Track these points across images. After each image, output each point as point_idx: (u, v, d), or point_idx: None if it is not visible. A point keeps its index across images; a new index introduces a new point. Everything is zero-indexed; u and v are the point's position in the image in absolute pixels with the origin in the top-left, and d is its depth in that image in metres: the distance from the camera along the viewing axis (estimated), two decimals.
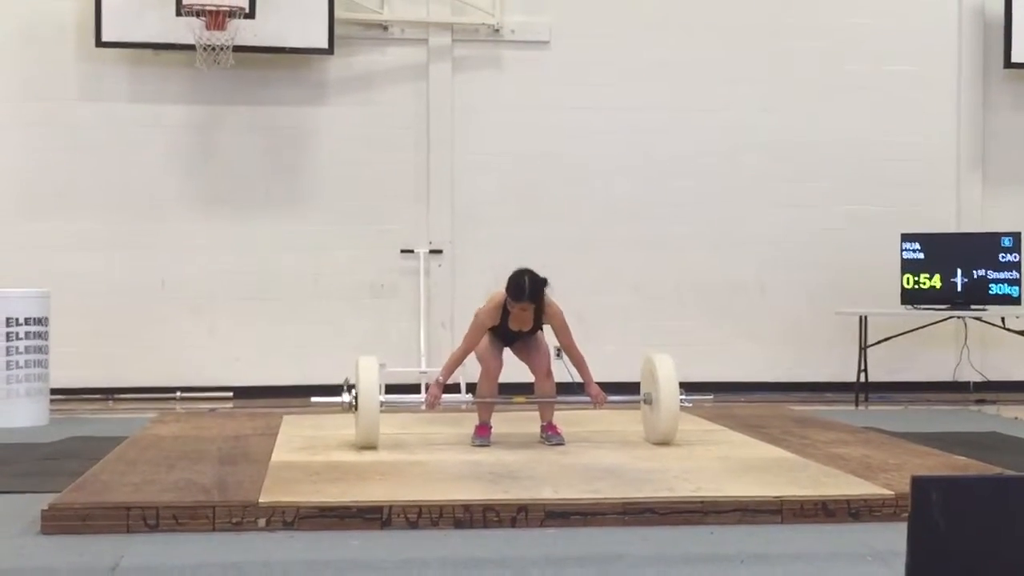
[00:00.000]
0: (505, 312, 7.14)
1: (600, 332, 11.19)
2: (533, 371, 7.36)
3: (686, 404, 7.30)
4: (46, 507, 5.31)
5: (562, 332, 7.23)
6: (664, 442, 7.20)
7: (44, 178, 10.73)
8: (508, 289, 7.03)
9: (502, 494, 5.65)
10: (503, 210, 11.08)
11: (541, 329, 7.31)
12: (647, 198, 11.22)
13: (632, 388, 10.86)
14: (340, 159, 11.02)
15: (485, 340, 7.26)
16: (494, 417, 7.40)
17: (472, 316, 7.30)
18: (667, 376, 7.19)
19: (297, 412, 9.04)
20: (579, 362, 7.29)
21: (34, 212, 10.70)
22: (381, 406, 6.99)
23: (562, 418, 7.44)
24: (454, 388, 10.45)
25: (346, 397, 7.00)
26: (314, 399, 7.38)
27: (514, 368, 7.49)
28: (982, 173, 11.60)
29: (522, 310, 7.06)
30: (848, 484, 5.92)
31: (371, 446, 6.93)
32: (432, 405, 7.24)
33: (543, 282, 7.03)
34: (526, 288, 6.96)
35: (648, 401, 7.38)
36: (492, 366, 7.26)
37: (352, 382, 7.01)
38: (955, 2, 11.58)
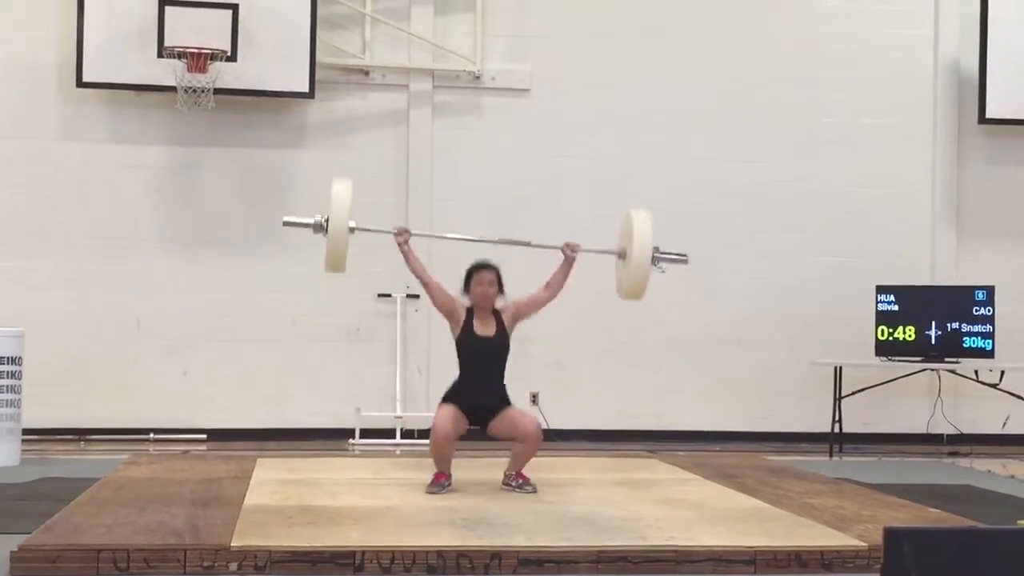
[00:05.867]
0: (469, 316, 7.14)
1: (576, 380, 11.23)
2: (519, 434, 7.17)
3: (660, 260, 7.35)
4: (16, 548, 5.27)
5: (529, 301, 7.31)
6: (632, 297, 7.34)
7: (21, 216, 10.71)
8: (468, 270, 7.21)
9: (476, 541, 5.63)
10: (481, 255, 11.06)
11: (508, 337, 7.23)
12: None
13: (610, 436, 10.95)
14: (319, 202, 10.94)
15: (448, 409, 7.09)
16: (458, 463, 7.30)
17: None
18: (642, 231, 7.26)
19: (271, 456, 9.01)
20: (550, 284, 7.36)
21: (10, 250, 10.66)
22: (351, 231, 7.15)
23: (532, 464, 7.38)
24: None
25: (318, 217, 7.18)
26: (285, 219, 7.55)
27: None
28: (957, 227, 11.70)
29: (489, 285, 7.14)
30: (822, 535, 5.93)
31: (339, 269, 7.21)
32: (405, 240, 7.33)
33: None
34: (486, 260, 7.20)
35: (622, 256, 7.42)
36: (441, 430, 7.05)
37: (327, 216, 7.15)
38: (931, 57, 11.72)
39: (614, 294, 11.21)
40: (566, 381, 11.21)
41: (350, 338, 11.03)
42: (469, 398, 7.15)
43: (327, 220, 7.17)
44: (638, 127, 11.40)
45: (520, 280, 7.52)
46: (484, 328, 7.21)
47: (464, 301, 7.28)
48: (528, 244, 7.71)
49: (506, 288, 7.33)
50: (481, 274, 7.21)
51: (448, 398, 7.22)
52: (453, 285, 7.38)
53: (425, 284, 7.32)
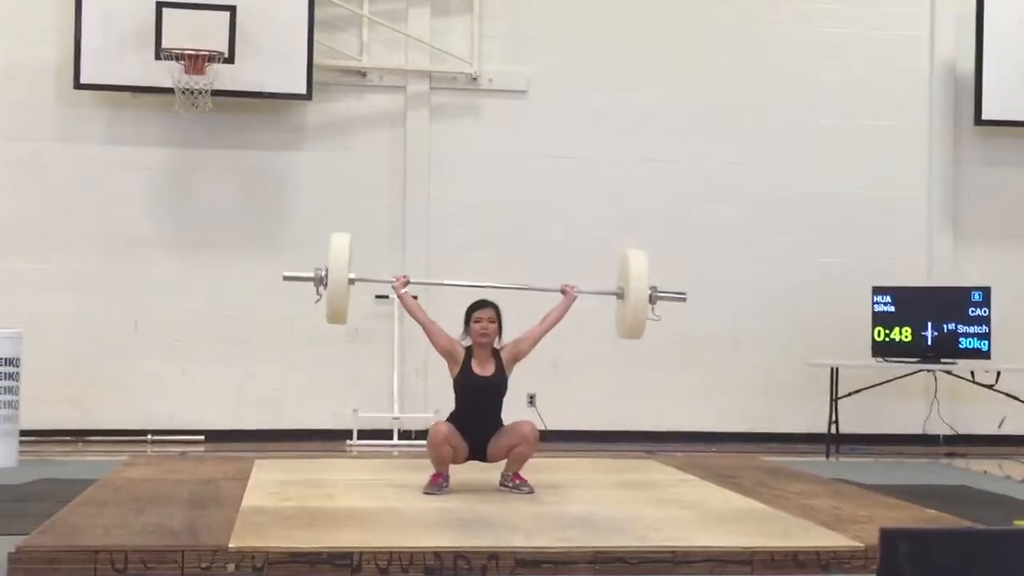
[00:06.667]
0: (468, 356, 7.18)
1: (575, 381, 11.23)
2: (517, 437, 7.18)
3: (658, 299, 7.42)
4: (13, 550, 5.27)
5: (525, 336, 7.36)
6: (632, 336, 7.44)
7: (19, 219, 10.71)
8: (468, 309, 7.25)
9: (473, 541, 5.64)
10: (478, 257, 11.10)
11: (506, 377, 7.27)
12: (620, 248, 11.24)
13: (607, 437, 10.96)
14: (316, 204, 11.03)
15: (447, 436, 7.06)
16: (457, 465, 7.27)
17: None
18: (638, 271, 7.35)
19: (269, 457, 9.01)
20: (546, 318, 7.43)
21: (8, 252, 10.66)
22: (351, 282, 7.25)
23: (530, 465, 7.39)
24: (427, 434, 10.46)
25: (318, 271, 7.26)
26: (286, 274, 7.61)
27: None
28: (953, 228, 11.72)
29: (488, 321, 7.18)
30: (818, 536, 5.94)
31: (340, 321, 7.31)
32: (403, 285, 7.44)
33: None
34: (485, 299, 7.28)
35: (621, 296, 7.51)
36: (441, 430, 7.06)
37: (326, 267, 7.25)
38: (927, 59, 11.74)
39: (610, 297, 11.29)
40: (563, 382, 11.22)
41: (348, 340, 11.02)
42: (466, 434, 7.17)
43: (327, 273, 7.21)
44: (635, 129, 11.41)
45: (518, 323, 7.56)
46: (482, 368, 7.24)
47: (464, 342, 7.30)
48: (527, 288, 7.74)
49: (505, 325, 7.34)
50: (481, 311, 7.26)
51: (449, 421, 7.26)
52: (450, 326, 7.41)
53: (424, 327, 7.38)
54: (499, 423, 7.28)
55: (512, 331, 7.41)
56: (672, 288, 7.63)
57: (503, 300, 7.52)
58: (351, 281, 7.30)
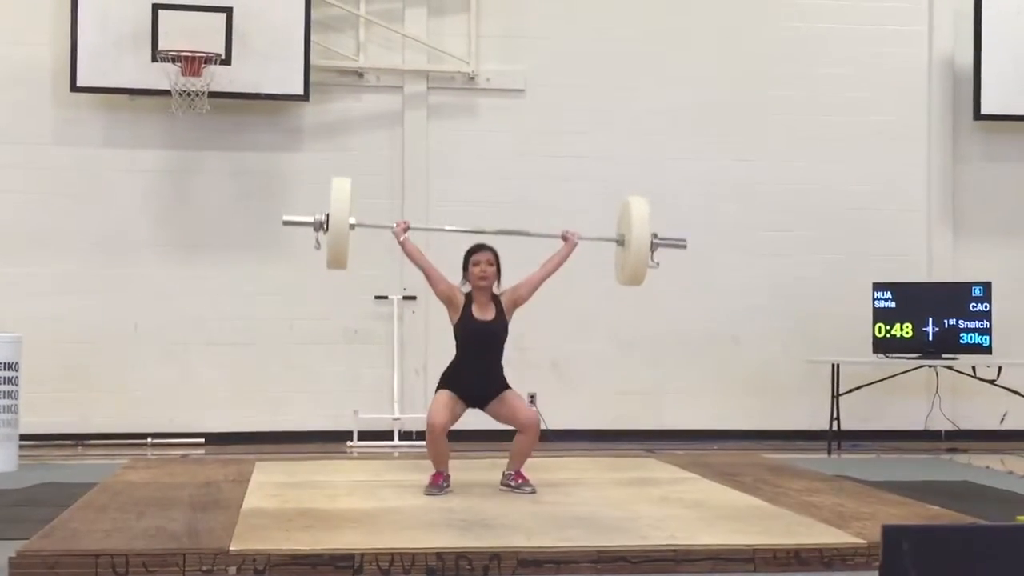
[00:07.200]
0: (468, 301, 7.18)
1: (574, 379, 11.23)
2: (518, 423, 7.20)
3: (659, 245, 7.41)
4: (14, 555, 5.26)
5: (525, 282, 7.35)
6: (632, 283, 7.44)
7: (17, 222, 10.69)
8: (467, 252, 7.25)
9: (474, 542, 5.63)
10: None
11: (506, 322, 7.25)
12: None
13: (608, 436, 10.95)
14: (315, 205, 10.93)
15: (446, 399, 7.11)
16: (457, 464, 7.30)
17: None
18: (640, 217, 7.33)
19: (269, 459, 9.01)
20: (546, 264, 7.43)
21: (6, 256, 10.65)
22: (352, 227, 7.22)
23: (531, 464, 7.39)
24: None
25: (318, 215, 7.24)
26: (285, 218, 7.64)
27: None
28: (953, 223, 11.71)
29: (487, 264, 7.18)
30: (821, 533, 5.93)
31: (340, 265, 7.26)
32: (403, 230, 7.39)
33: None
34: (484, 242, 7.29)
35: (621, 243, 7.49)
36: (437, 422, 7.02)
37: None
38: (925, 54, 11.73)
39: (611, 294, 11.27)
40: (564, 381, 11.21)
41: (347, 340, 11.03)
42: (466, 383, 7.16)
43: (327, 217, 7.18)
44: (633, 127, 11.40)
45: (519, 272, 7.53)
46: (483, 313, 7.23)
47: (463, 288, 7.27)
48: (527, 234, 7.74)
49: (504, 278, 7.34)
50: (479, 255, 7.26)
51: (443, 384, 7.23)
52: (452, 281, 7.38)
53: (425, 272, 7.34)
54: (499, 371, 7.26)
55: (511, 282, 7.40)
56: (673, 235, 7.57)
57: (502, 248, 7.46)
58: (352, 226, 7.25)
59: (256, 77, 10.53)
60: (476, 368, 7.19)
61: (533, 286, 7.39)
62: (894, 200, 11.67)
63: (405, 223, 7.53)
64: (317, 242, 7.32)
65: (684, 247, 7.74)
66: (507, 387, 7.26)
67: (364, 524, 6.05)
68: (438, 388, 7.25)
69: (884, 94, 11.68)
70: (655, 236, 7.42)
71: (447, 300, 7.29)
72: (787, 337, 11.39)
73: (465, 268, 7.29)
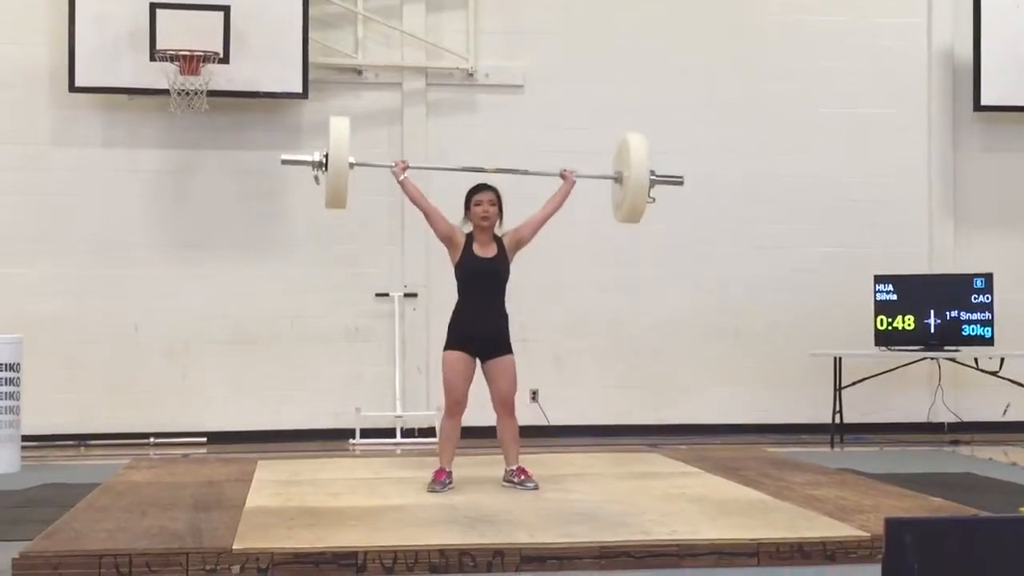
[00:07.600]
0: (469, 241, 7.15)
1: (575, 375, 11.22)
2: (495, 399, 7.19)
3: (656, 182, 7.36)
4: (17, 556, 5.26)
5: (526, 223, 7.32)
6: (631, 220, 7.40)
7: (17, 222, 10.69)
8: (468, 192, 7.21)
9: (477, 538, 5.63)
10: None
11: (508, 261, 7.23)
12: (622, 240, 11.23)
13: (611, 431, 10.95)
14: (314, 203, 10.95)
15: (457, 363, 7.10)
16: (460, 461, 7.31)
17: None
18: (638, 153, 7.28)
19: (272, 457, 9.00)
20: (547, 204, 7.39)
21: (6, 256, 10.65)
22: (351, 166, 7.17)
23: (534, 460, 7.39)
24: (430, 432, 10.44)
25: (316, 155, 7.18)
26: (284, 156, 7.63)
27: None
28: (953, 215, 11.70)
29: (489, 204, 7.14)
30: (824, 526, 5.92)
31: (339, 204, 7.21)
32: (402, 170, 7.33)
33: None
34: (485, 182, 7.25)
35: (619, 180, 7.44)
36: (454, 399, 7.08)
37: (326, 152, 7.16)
38: (925, 46, 11.71)
39: (612, 289, 11.31)
40: (566, 377, 11.21)
41: (349, 338, 11.02)
42: (470, 327, 7.12)
43: (326, 156, 7.15)
44: (633, 121, 11.31)
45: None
46: (484, 251, 7.20)
47: (464, 228, 7.24)
48: (525, 172, 7.71)
49: (505, 221, 7.32)
50: (481, 195, 7.22)
51: (450, 336, 7.17)
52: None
53: (425, 212, 7.26)
54: (502, 317, 7.21)
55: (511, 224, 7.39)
56: (670, 172, 7.55)
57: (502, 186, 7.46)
58: (351, 165, 7.21)
59: (255, 75, 10.52)
60: (478, 307, 7.15)
61: (535, 227, 7.35)
62: (895, 192, 11.66)
63: (404, 162, 7.46)
64: (316, 180, 7.23)
65: (681, 183, 7.68)
66: (510, 350, 7.21)
67: (367, 522, 6.05)
68: (446, 347, 7.19)
69: (884, 86, 11.67)
70: (652, 173, 7.37)
71: (447, 240, 7.23)
72: (789, 330, 11.38)
73: (467, 207, 7.23)
